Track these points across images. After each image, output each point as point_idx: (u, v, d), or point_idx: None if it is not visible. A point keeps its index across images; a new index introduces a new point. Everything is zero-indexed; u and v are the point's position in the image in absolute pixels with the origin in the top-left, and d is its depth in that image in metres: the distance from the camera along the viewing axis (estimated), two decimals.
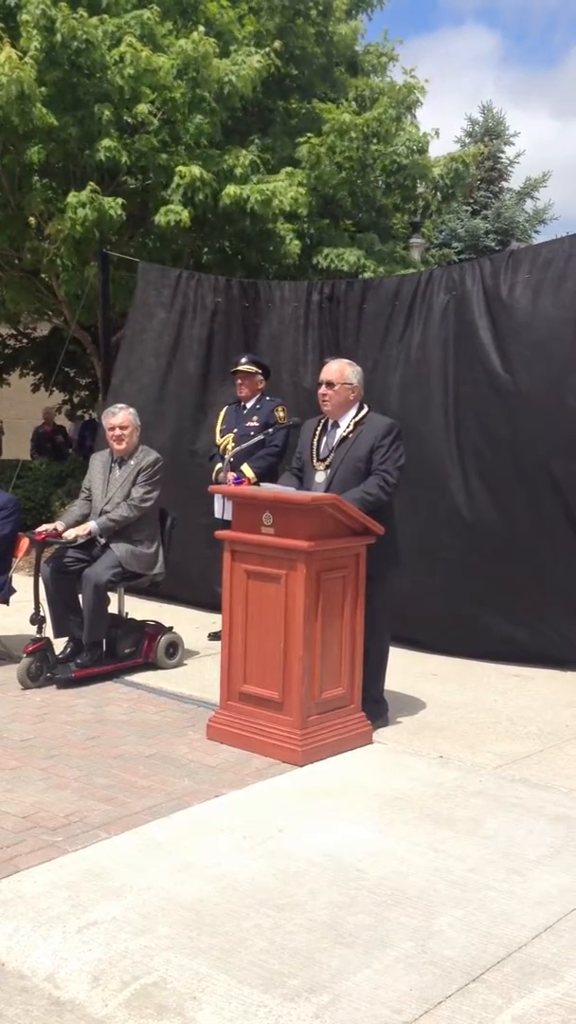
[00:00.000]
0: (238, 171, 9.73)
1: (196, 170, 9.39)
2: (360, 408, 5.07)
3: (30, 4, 9.00)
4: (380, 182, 11.60)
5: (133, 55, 9.19)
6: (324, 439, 5.08)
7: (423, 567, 6.42)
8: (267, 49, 10.16)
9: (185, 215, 9.41)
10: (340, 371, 5.02)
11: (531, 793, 4.17)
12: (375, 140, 10.87)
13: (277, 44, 10.39)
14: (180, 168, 9.44)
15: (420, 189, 12.21)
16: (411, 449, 6.32)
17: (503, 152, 19.43)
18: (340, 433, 5.02)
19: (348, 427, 5.01)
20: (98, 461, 6.27)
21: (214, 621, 6.67)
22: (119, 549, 5.87)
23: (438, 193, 12.26)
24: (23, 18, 9.16)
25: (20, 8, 9.34)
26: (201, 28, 9.68)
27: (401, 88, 11.24)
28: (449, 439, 6.51)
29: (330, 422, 5.10)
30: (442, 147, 36.80)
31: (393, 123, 10.99)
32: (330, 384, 5.02)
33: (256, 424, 6.68)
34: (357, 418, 5.03)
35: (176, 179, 9.44)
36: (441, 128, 13.71)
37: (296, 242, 10.34)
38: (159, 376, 8.02)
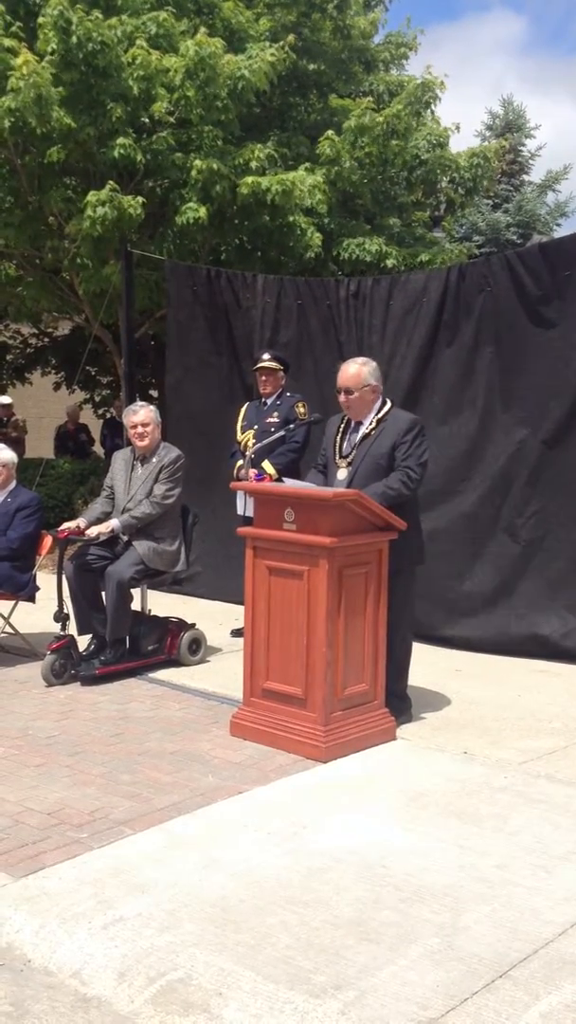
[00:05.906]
0: (253, 164, 9.72)
1: (214, 163, 9.39)
2: (383, 404, 5.04)
3: (48, 5, 9.05)
4: (400, 178, 11.55)
5: (144, 58, 9.21)
6: (347, 436, 5.07)
7: (459, 564, 6.43)
8: (282, 43, 10.13)
9: (203, 212, 9.40)
10: (357, 375, 4.97)
11: (556, 789, 4.15)
12: (395, 137, 10.83)
13: (291, 38, 10.36)
14: (196, 162, 9.44)
15: (443, 184, 12.12)
16: (449, 449, 6.37)
17: (524, 145, 19.31)
18: (363, 431, 5.00)
19: (371, 424, 4.99)
20: (120, 459, 6.28)
21: (236, 618, 6.68)
22: (141, 546, 5.88)
23: (459, 188, 12.19)
24: (41, 20, 9.20)
25: (39, 9, 9.39)
26: (204, 29, 9.68)
27: (419, 86, 11.17)
28: (485, 438, 6.49)
29: (353, 421, 5.08)
30: (463, 141, 36.67)
31: (413, 119, 10.94)
32: (349, 391, 4.97)
33: (276, 420, 6.67)
34: (380, 415, 5.00)
35: (193, 173, 9.44)
36: (462, 118, 13.69)
37: (317, 235, 10.30)
38: (224, 373, 8.05)
